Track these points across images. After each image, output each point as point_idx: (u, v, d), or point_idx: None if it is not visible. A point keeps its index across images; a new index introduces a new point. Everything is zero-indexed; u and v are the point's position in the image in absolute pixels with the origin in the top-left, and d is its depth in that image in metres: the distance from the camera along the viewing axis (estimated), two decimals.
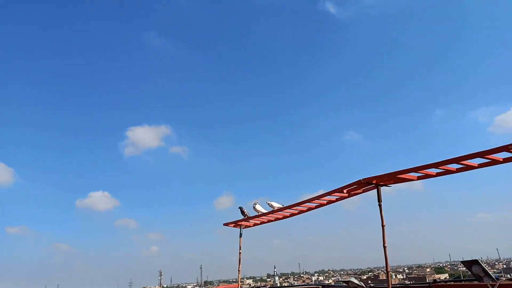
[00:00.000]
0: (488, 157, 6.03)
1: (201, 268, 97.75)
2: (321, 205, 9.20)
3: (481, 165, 6.45)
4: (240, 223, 11.14)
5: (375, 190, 7.64)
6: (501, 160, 6.14)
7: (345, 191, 8.09)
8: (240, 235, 11.05)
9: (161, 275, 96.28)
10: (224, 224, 11.72)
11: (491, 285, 5.03)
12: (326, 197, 8.59)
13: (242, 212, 10.76)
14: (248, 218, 10.73)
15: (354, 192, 8.27)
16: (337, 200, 8.85)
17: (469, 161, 6.27)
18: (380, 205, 7.31)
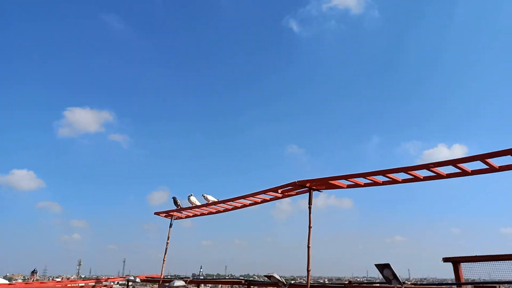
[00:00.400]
0: (410, 173, 6.57)
1: (124, 261, 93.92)
2: (256, 203, 9.35)
3: (404, 181, 7.00)
4: (172, 213, 10.94)
5: (308, 195, 7.96)
6: (422, 177, 6.72)
7: (279, 191, 8.32)
8: (170, 225, 10.85)
9: (79, 264, 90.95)
10: (155, 213, 11.44)
11: (397, 287, 5.47)
12: (260, 195, 8.75)
13: (175, 202, 10.58)
14: (180, 209, 10.58)
15: (288, 193, 8.53)
16: (271, 199, 9.06)
17: (394, 174, 6.78)
18: (310, 208, 7.61)
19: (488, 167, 5.92)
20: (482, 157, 5.67)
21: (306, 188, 8.00)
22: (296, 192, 8.47)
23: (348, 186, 7.64)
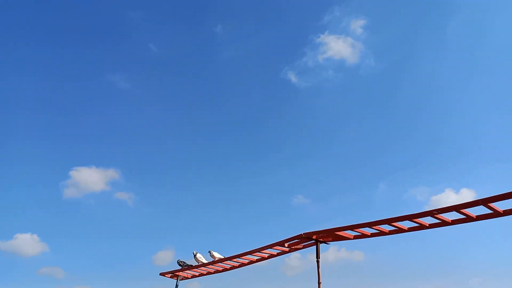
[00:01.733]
0: (415, 221, 6.55)
1: None
2: (262, 258, 9.19)
3: (410, 229, 6.95)
4: (177, 273, 10.71)
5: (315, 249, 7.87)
6: (427, 225, 6.69)
7: (286, 244, 8.23)
8: (176, 286, 10.56)
9: None
10: (161, 274, 11.19)
11: None
12: (267, 250, 8.64)
13: (180, 265, 10.39)
14: (186, 268, 10.37)
15: (295, 247, 8.43)
16: (278, 254, 8.92)
17: (399, 223, 6.75)
18: (318, 261, 7.50)
19: (492, 211, 5.92)
20: (484, 202, 5.69)
21: (313, 241, 7.93)
22: (303, 245, 8.37)
23: (355, 237, 7.57)
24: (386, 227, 7.04)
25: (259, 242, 8.59)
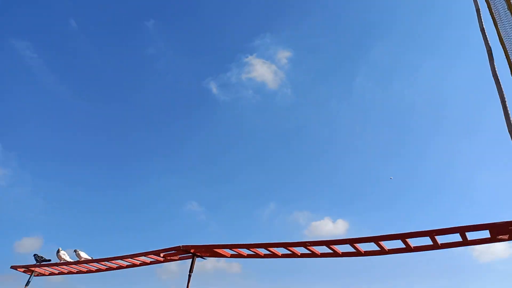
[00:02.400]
0: (289, 249, 6.85)
1: None
2: (134, 265, 8.65)
3: (284, 255, 7.25)
4: (33, 268, 9.45)
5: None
6: (299, 254, 7.05)
7: (161, 254, 7.89)
8: (27, 283, 9.30)
9: None
10: (12, 267, 9.76)
11: None
12: (140, 257, 8.16)
13: (37, 260, 9.22)
14: (43, 265, 9.23)
15: (171, 258, 8.13)
16: (151, 263, 8.48)
17: (275, 249, 6.98)
18: (189, 275, 7.33)
19: (355, 250, 6.50)
20: (351, 241, 6.23)
21: (190, 254, 7.74)
22: (180, 257, 8.13)
23: (232, 256, 7.61)
24: (262, 250, 7.22)
25: (140, 249, 8.06)
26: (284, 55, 29.70)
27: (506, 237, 5.51)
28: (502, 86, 5.18)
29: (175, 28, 30.15)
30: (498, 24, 7.44)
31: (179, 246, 7.43)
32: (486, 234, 5.53)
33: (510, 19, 6.58)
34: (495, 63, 5.69)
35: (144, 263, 8.51)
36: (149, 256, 8.04)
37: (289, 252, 7.03)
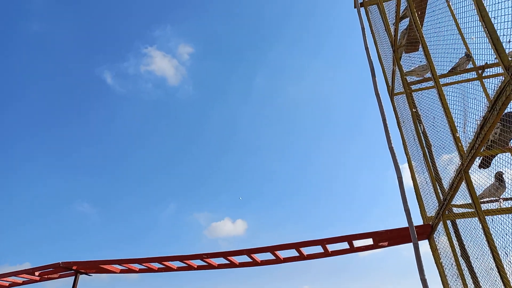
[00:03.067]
0: (186, 262, 6.52)
1: None
2: (1, 286, 7.37)
3: (179, 268, 6.89)
4: None
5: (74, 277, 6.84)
6: (196, 266, 6.76)
7: (37, 273, 6.87)
8: None
9: None
10: None
11: None
12: (9, 278, 6.98)
13: None
14: None
15: (50, 276, 7.13)
16: (24, 283, 7.33)
17: (170, 262, 6.58)
18: None
19: (252, 260, 6.46)
20: (248, 252, 6.17)
21: (73, 271, 6.88)
22: (60, 275, 7.17)
23: (122, 271, 6.98)
24: (156, 264, 6.76)
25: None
26: (185, 50, 29.05)
27: (386, 243, 6.01)
28: (383, 105, 5.64)
29: (66, 5, 27.23)
30: (378, 43, 8.26)
31: (58, 263, 6.54)
32: (369, 241, 5.97)
33: (387, 39, 7.33)
34: (376, 80, 6.14)
35: (14, 284, 7.31)
36: (21, 275, 6.93)
37: (185, 265, 6.70)
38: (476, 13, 2.77)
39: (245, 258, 6.51)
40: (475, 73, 5.23)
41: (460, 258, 4.53)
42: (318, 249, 6.20)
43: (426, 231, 5.35)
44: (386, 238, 5.80)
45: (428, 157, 5.51)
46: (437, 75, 4.32)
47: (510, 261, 3.08)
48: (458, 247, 4.62)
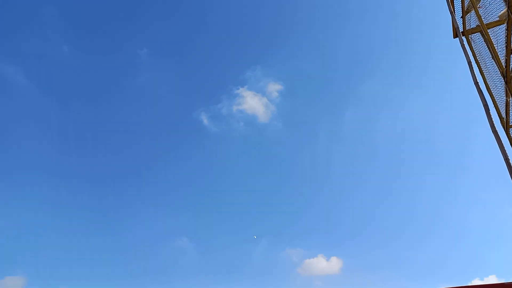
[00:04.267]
0: None
1: None
2: None
3: None
4: None
5: None
6: None
7: None
8: None
9: None
10: None
11: None
12: None
13: None
14: None
15: None
16: None
17: None
18: None
19: None
20: None
21: None
22: None
23: None
24: None
25: None
26: (275, 87, 30.27)
27: None
28: (503, 142, 5.29)
29: (167, 58, 30.65)
30: (485, 74, 7.75)
31: None
32: None
33: (497, 70, 6.86)
34: (492, 116, 5.82)
35: None
36: None
37: None
38: None
39: None
40: None
41: None
42: None
43: None
44: None
45: None
46: None
47: None
48: None
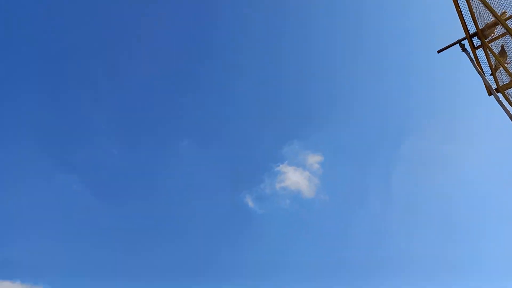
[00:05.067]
0: None
1: None
2: None
3: None
4: None
5: None
6: None
7: None
8: None
9: None
10: None
11: None
12: None
13: None
14: None
15: None
16: None
17: None
18: None
19: None
20: None
21: None
22: None
23: None
24: None
25: None
26: (314, 159, 30.10)
27: None
28: None
29: (207, 146, 32.03)
30: None
31: None
32: None
33: None
34: None
35: None
36: None
37: None
38: None
39: None
40: None
41: None
42: None
43: None
44: None
45: None
46: None
47: None
48: None
